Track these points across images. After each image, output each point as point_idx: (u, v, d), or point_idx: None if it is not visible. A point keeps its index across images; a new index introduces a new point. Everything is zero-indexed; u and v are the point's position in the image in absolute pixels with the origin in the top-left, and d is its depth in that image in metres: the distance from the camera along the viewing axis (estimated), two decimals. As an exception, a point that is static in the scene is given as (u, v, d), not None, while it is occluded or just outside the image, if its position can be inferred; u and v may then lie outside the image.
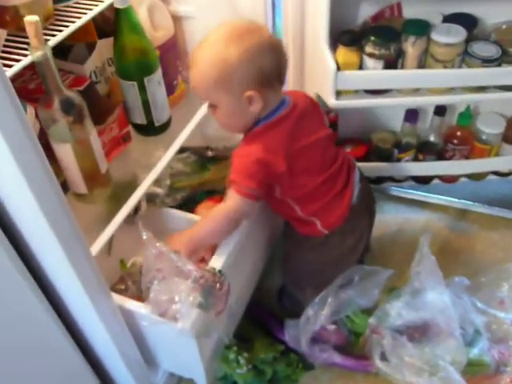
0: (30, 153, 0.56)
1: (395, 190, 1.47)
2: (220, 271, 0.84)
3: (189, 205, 1.16)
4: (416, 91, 1.09)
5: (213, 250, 0.95)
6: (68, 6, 0.91)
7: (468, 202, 1.43)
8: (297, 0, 1.10)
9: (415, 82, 1.05)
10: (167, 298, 0.77)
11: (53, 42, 0.82)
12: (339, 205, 0.96)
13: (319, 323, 1.02)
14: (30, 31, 0.75)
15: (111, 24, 1.03)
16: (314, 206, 0.95)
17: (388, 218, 1.43)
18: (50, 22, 0.86)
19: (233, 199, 0.88)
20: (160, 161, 1.07)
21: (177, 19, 1.18)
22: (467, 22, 1.07)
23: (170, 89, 1.17)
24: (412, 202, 1.46)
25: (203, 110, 1.22)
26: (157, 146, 1.11)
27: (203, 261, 0.95)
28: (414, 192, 1.46)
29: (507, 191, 1.44)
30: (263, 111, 0.88)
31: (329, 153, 0.96)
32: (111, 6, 0.95)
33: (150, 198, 1.13)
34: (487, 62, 1.02)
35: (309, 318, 1.03)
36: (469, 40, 1.04)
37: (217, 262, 0.90)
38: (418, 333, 1.06)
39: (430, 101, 1.11)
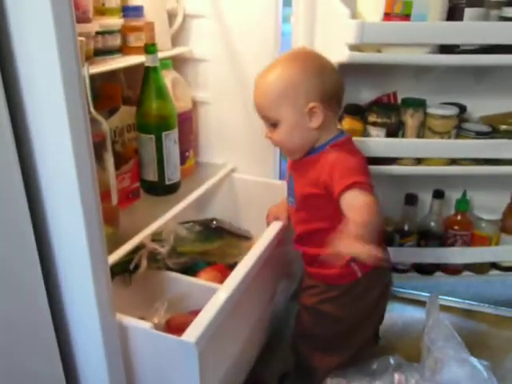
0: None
1: (399, 292, 1.45)
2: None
3: (188, 273, 1.13)
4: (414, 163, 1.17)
5: None
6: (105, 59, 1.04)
7: (473, 302, 1.40)
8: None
9: (415, 150, 1.13)
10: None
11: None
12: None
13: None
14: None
15: (136, 94, 1.14)
16: None
17: (393, 316, 1.38)
18: (89, 62, 0.96)
19: (365, 196, 0.83)
20: (165, 214, 1.07)
21: (193, 103, 1.30)
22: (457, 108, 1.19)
23: (182, 159, 1.22)
24: (416, 302, 1.43)
25: (211, 181, 1.27)
26: (164, 205, 1.12)
27: None
28: (418, 293, 1.44)
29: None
30: (325, 134, 0.90)
31: None
32: (142, 64, 1.06)
33: (151, 256, 1.10)
34: (480, 134, 1.12)
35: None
36: (460, 120, 1.16)
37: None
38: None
39: (427, 170, 1.18)
